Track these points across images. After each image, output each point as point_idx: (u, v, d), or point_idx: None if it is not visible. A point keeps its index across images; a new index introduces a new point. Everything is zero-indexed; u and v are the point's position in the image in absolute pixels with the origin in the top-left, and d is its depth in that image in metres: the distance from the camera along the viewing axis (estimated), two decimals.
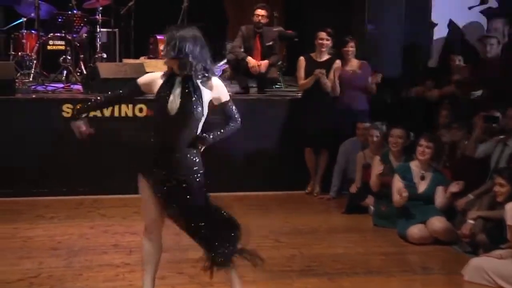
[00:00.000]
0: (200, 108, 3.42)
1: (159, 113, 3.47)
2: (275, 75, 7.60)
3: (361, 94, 6.78)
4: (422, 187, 5.45)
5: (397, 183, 5.48)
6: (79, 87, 7.23)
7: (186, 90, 3.41)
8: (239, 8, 9.09)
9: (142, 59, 8.11)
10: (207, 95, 3.47)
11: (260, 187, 6.75)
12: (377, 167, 5.87)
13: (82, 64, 7.98)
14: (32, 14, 7.92)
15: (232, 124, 3.59)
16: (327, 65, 6.60)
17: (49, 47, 7.92)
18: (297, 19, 9.09)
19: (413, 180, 5.48)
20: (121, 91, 3.67)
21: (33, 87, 7.17)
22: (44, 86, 7.24)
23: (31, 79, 7.51)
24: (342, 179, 6.65)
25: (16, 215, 5.72)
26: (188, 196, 3.48)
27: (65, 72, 7.66)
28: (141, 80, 3.60)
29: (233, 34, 7.99)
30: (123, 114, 6.50)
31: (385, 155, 5.93)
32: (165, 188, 3.48)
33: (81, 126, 3.65)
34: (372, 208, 5.99)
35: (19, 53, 7.93)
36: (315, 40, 6.64)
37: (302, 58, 6.71)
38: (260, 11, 7.19)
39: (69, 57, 7.71)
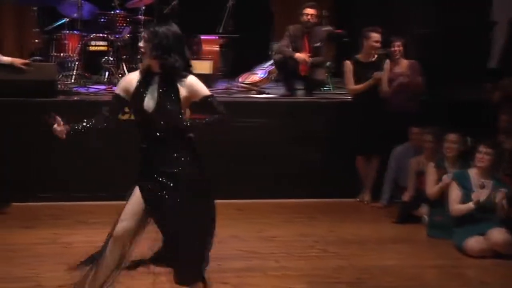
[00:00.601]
0: (176, 106, 3.49)
1: (138, 113, 3.56)
2: (323, 77, 7.57)
3: (413, 96, 6.69)
4: (482, 196, 5.34)
5: (455, 191, 5.39)
6: None
7: (164, 88, 3.50)
8: (286, 7, 9.09)
9: None
10: (183, 93, 3.52)
11: (305, 194, 6.73)
12: (431, 174, 5.79)
13: (124, 65, 8.08)
14: (75, 15, 8.06)
15: (216, 116, 3.59)
16: (376, 66, 6.53)
17: (91, 48, 8.07)
18: (347, 17, 9.03)
19: (472, 189, 5.38)
20: (106, 110, 3.67)
21: (74, 88, 7.32)
22: (85, 88, 7.39)
23: (72, 80, 7.65)
24: (393, 187, 6.58)
25: (56, 220, 5.84)
26: (177, 198, 3.51)
27: (107, 73, 7.79)
28: (118, 88, 3.67)
29: (279, 34, 8.00)
30: None
31: (440, 161, 5.84)
32: (153, 188, 3.54)
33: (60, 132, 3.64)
34: (426, 218, 5.91)
35: (61, 54, 8.08)
36: (366, 41, 6.55)
37: (348, 62, 6.63)
38: (310, 10, 7.17)
39: (111, 58, 7.84)
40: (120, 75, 7.90)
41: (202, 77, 8.00)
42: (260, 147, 6.67)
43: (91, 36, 8.07)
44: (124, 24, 8.23)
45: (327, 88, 8.03)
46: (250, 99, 7.25)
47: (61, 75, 7.70)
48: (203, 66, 8.03)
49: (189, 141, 3.58)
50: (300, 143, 6.73)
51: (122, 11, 8.24)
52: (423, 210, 5.99)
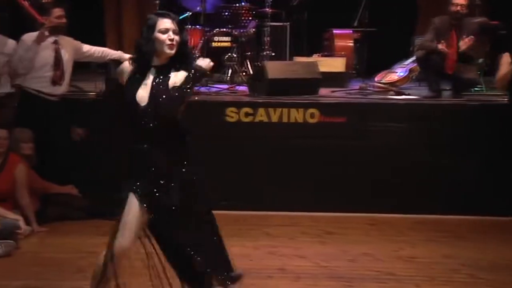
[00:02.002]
0: (173, 97, 3.59)
1: (130, 106, 3.62)
2: (474, 76, 7.32)
3: None
4: None
5: None
6: (244, 88, 7.48)
7: (159, 80, 3.61)
8: None
9: (315, 57, 8.21)
10: (171, 83, 3.64)
11: (451, 210, 6.52)
12: None
13: (248, 63, 8.25)
14: (198, 8, 8.34)
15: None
16: None
17: (213, 44, 8.29)
18: (505, 6, 8.66)
19: None
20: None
21: (195, 88, 7.53)
22: (207, 87, 7.57)
23: None
24: None
25: None
26: (181, 196, 3.59)
27: (229, 71, 7.98)
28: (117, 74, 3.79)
29: (423, 27, 7.83)
30: (292, 120, 6.62)
31: None
32: (152, 193, 3.59)
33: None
34: None
35: None
36: None
37: (507, 55, 6.34)
38: (460, 0, 6.98)
39: (235, 55, 8.03)
40: (244, 74, 8.07)
41: (334, 75, 8.13)
42: (398, 155, 6.56)
43: (214, 31, 8.28)
44: (249, 18, 8.38)
45: (479, 89, 7.74)
46: (387, 100, 7.14)
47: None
48: (335, 63, 8.04)
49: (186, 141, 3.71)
50: (445, 152, 6.55)
51: (247, 4, 8.41)
52: None
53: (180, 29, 3.67)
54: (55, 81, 6.15)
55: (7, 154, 5.79)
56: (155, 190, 3.62)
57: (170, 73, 3.64)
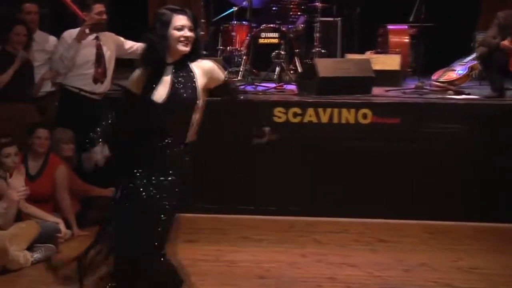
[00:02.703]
0: (192, 92, 3.69)
1: (146, 107, 3.66)
2: None
3: None
4: None
5: None
6: (293, 87, 7.51)
7: (179, 78, 3.69)
8: None
9: (368, 54, 8.19)
10: (200, 79, 3.74)
11: (510, 217, 6.41)
12: None
13: (297, 60, 8.26)
14: (244, 3, 8.39)
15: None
16: None
17: (260, 41, 8.34)
18: None
19: None
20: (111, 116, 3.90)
21: (241, 87, 7.59)
22: (253, 86, 7.63)
23: (239, 77, 7.96)
24: None
25: (220, 235, 6.09)
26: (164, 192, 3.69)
27: (277, 69, 7.99)
28: (129, 83, 3.79)
29: (486, 23, 7.74)
30: (343, 120, 6.59)
31: None
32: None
33: (96, 155, 3.85)
34: None
35: (228, 48, 8.44)
36: None
37: None
38: None
39: (283, 52, 8.03)
40: (292, 72, 8.08)
41: (388, 74, 8.09)
42: (456, 159, 6.49)
43: (261, 27, 8.32)
44: (298, 13, 8.40)
45: None
46: (445, 100, 7.06)
47: (227, 71, 8.02)
48: (390, 61, 8.00)
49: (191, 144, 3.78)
50: (509, 156, 6.44)
51: None
52: None
53: (195, 25, 3.73)
54: (97, 79, 6.22)
55: (48, 155, 5.88)
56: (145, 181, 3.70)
57: (190, 69, 3.73)
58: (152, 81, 3.70)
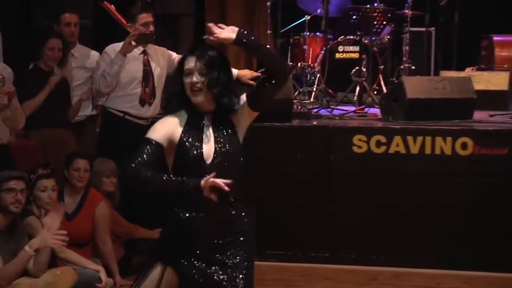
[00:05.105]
0: (237, 145, 3.64)
1: (189, 169, 3.53)
2: None
3: None
4: None
5: None
6: (376, 111, 7.51)
7: (220, 132, 3.62)
8: None
9: (468, 71, 8.13)
10: (242, 126, 3.68)
11: None
12: None
13: (381, 79, 8.27)
14: (318, 10, 8.44)
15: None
16: None
17: (337, 55, 8.43)
18: None
19: None
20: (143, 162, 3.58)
21: (314, 110, 7.63)
22: (328, 110, 7.67)
23: (312, 99, 8.01)
24: None
25: (286, 286, 6.11)
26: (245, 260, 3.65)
27: (357, 89, 8.02)
28: (156, 135, 3.58)
29: None
30: (437, 151, 6.56)
31: None
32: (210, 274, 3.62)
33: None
34: None
35: (299, 64, 8.50)
36: None
37: None
38: None
39: (364, 69, 8.08)
40: (375, 92, 8.08)
41: (493, 95, 8.01)
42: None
43: (339, 40, 8.38)
44: (383, 22, 8.38)
45: None
46: None
47: (297, 92, 8.07)
48: (496, 79, 7.93)
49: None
50: None
51: (381, 4, 8.42)
52: None
53: (212, 66, 3.54)
54: (144, 100, 6.23)
55: (87, 190, 5.91)
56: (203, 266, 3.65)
57: (227, 119, 3.64)
58: (191, 135, 3.61)
